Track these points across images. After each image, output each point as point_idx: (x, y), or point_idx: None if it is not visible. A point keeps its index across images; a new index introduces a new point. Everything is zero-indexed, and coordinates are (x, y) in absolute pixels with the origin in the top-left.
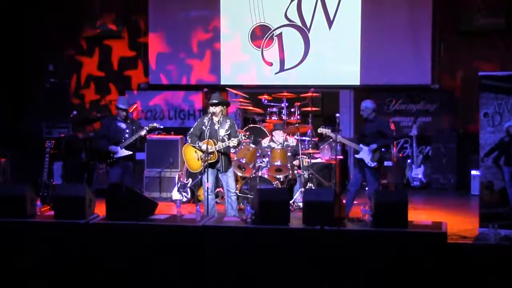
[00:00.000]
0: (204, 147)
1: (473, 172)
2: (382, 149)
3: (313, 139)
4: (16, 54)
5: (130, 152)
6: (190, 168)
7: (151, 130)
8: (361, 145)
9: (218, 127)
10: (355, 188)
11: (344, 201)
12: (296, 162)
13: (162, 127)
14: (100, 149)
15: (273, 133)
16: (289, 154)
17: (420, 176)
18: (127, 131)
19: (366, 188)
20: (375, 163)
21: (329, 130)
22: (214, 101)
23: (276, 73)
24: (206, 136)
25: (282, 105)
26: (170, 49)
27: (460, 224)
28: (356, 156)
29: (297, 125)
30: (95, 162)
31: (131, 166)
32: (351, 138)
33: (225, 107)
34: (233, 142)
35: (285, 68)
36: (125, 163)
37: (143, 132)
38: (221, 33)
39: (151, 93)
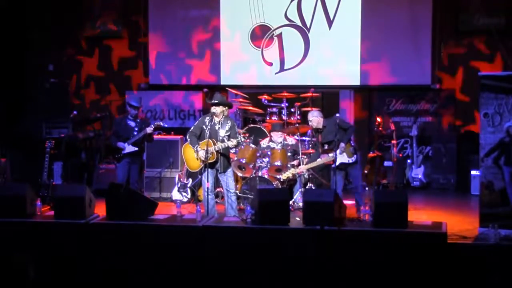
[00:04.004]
0: (201, 153)
1: (473, 172)
2: (350, 142)
3: (313, 139)
4: (16, 54)
5: (136, 148)
6: (190, 167)
7: (156, 128)
8: (331, 154)
9: (219, 128)
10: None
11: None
12: (295, 162)
13: (166, 125)
14: (111, 145)
15: (271, 133)
16: (289, 154)
17: (420, 176)
18: (136, 129)
19: (351, 186)
20: (354, 157)
21: (292, 169)
22: (214, 101)
23: (276, 73)
24: (206, 135)
25: (282, 105)
26: (170, 49)
27: (460, 224)
28: (335, 165)
29: (297, 125)
30: (95, 160)
31: (137, 162)
32: (314, 154)
33: (226, 108)
34: (233, 142)
35: (285, 68)
36: (132, 159)
37: (148, 129)
38: (221, 33)
39: (151, 93)
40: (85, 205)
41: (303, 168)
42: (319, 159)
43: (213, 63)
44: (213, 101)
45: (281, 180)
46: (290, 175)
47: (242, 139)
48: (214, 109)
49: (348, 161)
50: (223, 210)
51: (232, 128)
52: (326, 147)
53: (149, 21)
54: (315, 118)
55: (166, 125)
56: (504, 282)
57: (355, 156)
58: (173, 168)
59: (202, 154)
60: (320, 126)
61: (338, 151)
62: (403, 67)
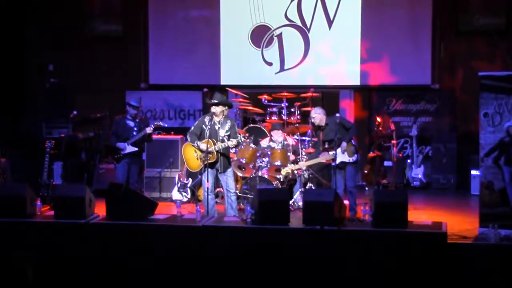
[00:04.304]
0: (203, 146)
1: (473, 172)
2: (351, 141)
3: (313, 139)
4: (16, 54)
5: (136, 149)
6: (189, 167)
7: (156, 128)
8: (332, 152)
9: (219, 128)
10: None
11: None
12: (293, 157)
13: (166, 125)
14: (110, 145)
15: (272, 133)
16: (288, 154)
17: (420, 176)
18: (135, 129)
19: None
20: (355, 156)
21: (291, 165)
22: (214, 101)
23: (276, 73)
24: (206, 135)
25: (282, 105)
26: (170, 49)
27: (460, 224)
28: (335, 163)
29: (297, 125)
30: (95, 160)
31: (137, 162)
32: (314, 153)
33: (226, 108)
34: (232, 142)
35: (285, 68)
36: (132, 159)
37: (148, 130)
38: (221, 33)
39: (151, 93)
40: (85, 205)
41: (302, 164)
42: (319, 157)
43: (213, 63)
44: (213, 101)
45: (281, 179)
46: (289, 171)
47: (242, 139)
48: (214, 109)
49: (349, 160)
50: (223, 210)
51: (232, 128)
52: (326, 145)
53: (149, 21)
54: (318, 115)
55: (166, 125)
56: (504, 282)
57: (355, 155)
58: (173, 168)
59: (203, 146)
60: (323, 124)
61: (339, 150)
62: (403, 67)
